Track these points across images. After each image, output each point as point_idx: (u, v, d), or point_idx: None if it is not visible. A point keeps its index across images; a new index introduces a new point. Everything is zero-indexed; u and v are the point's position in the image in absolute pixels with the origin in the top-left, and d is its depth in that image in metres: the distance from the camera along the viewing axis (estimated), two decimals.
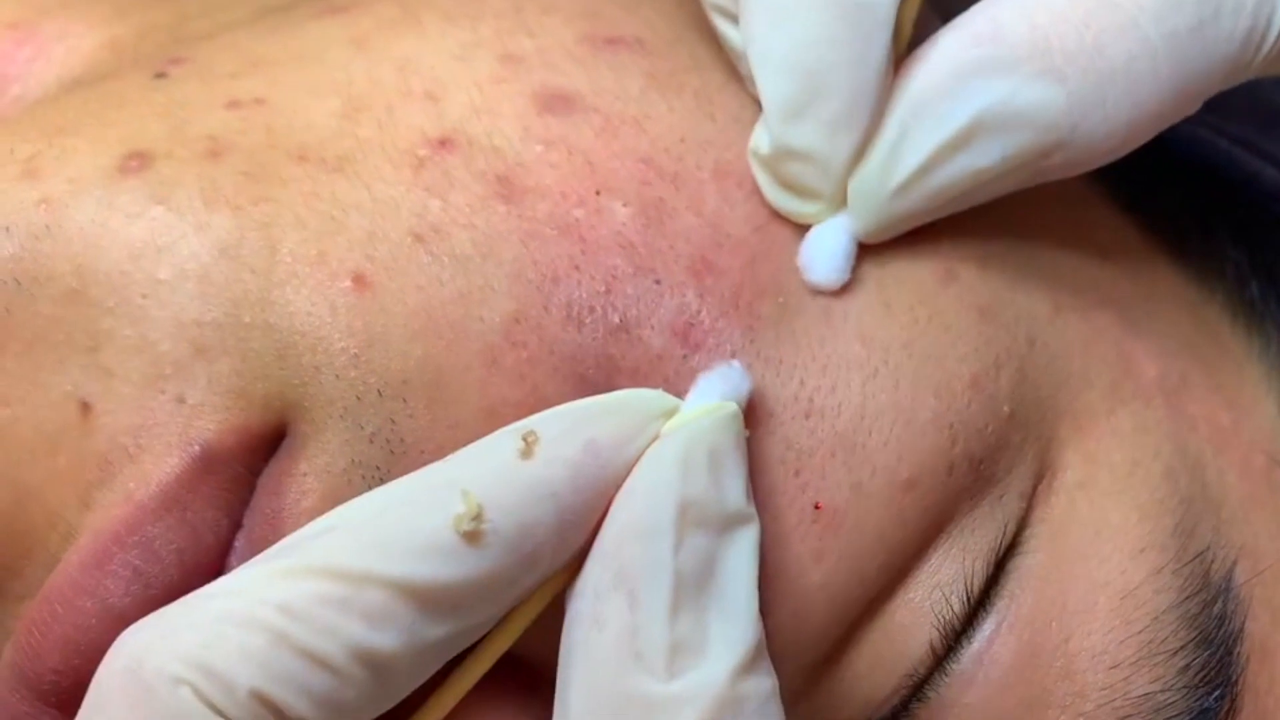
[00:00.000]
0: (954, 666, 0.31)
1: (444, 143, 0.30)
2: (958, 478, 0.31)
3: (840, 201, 0.31)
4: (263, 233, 0.29)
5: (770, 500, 0.29)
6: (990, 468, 0.31)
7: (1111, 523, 0.32)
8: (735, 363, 0.29)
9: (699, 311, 0.30)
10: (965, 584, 0.31)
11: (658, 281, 0.30)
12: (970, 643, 0.31)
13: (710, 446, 0.28)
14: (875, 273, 0.31)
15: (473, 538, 0.26)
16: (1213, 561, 0.32)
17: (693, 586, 0.27)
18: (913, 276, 0.31)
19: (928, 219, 0.31)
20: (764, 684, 0.27)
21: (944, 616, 0.30)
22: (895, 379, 0.30)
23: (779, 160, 0.30)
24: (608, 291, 0.29)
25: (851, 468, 0.30)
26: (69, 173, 0.29)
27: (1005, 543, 0.31)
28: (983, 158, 0.30)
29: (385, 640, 0.25)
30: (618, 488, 0.28)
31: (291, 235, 0.29)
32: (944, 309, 0.31)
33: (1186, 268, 0.38)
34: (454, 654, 0.27)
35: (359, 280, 0.29)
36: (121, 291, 0.28)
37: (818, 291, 0.30)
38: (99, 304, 0.28)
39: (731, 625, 0.27)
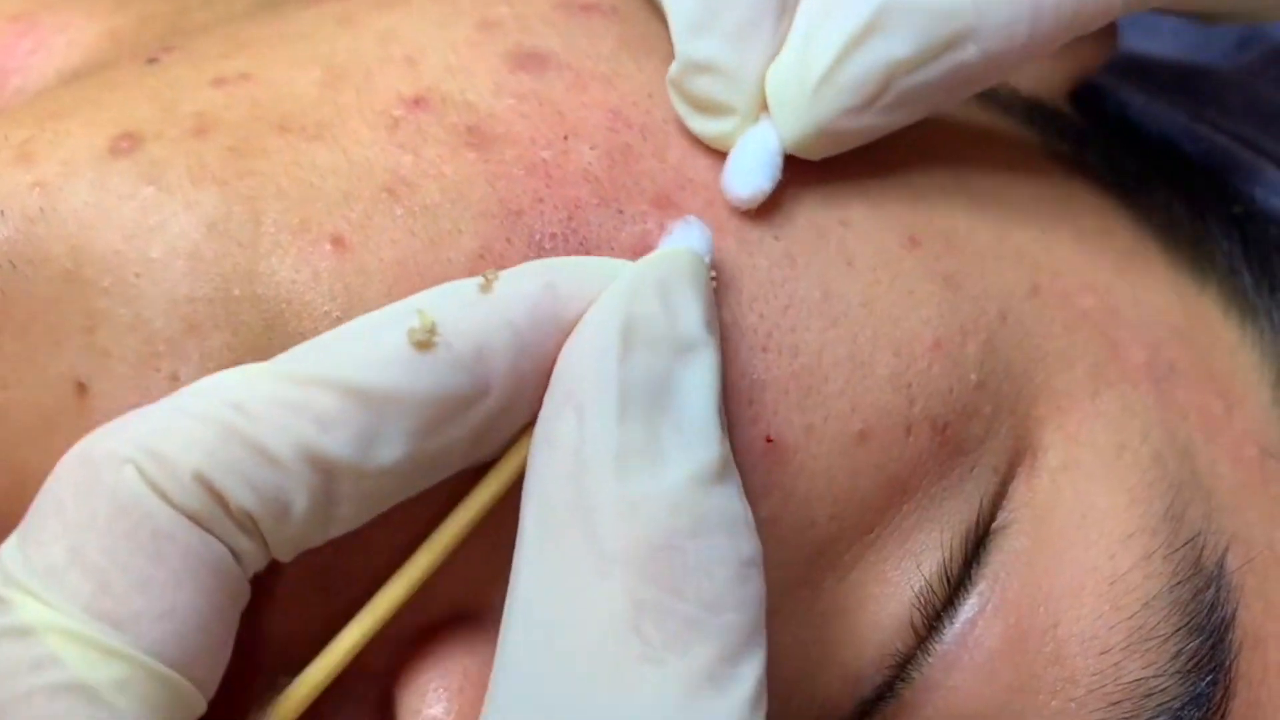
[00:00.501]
0: (937, 647, 0.30)
1: (418, 101, 0.31)
2: (918, 439, 0.30)
3: (758, 113, 0.31)
4: (247, 205, 0.29)
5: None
6: (957, 434, 0.31)
7: (1099, 506, 0.31)
8: (693, 218, 0.30)
9: (660, 238, 0.30)
10: (944, 561, 0.30)
11: (620, 211, 0.30)
12: (953, 623, 0.31)
13: (660, 277, 0.28)
14: (838, 231, 0.31)
15: (424, 347, 0.26)
16: (1204, 547, 0.32)
17: (642, 398, 0.27)
18: (876, 239, 0.31)
19: (864, 136, 0.31)
20: (732, 504, 0.27)
21: (923, 594, 0.30)
22: (854, 332, 0.30)
23: (686, 77, 0.31)
24: (570, 219, 0.30)
25: (805, 409, 0.30)
26: (62, 155, 0.30)
27: (983, 520, 0.31)
28: (895, 47, 0.30)
29: (335, 443, 0.26)
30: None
31: (274, 205, 0.29)
32: (907, 273, 0.31)
33: (1178, 257, 0.37)
34: (407, 493, 0.27)
35: (337, 242, 0.29)
36: (116, 271, 0.28)
37: (740, 208, 0.30)
38: (94, 284, 0.28)
39: (688, 438, 0.27)
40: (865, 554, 0.30)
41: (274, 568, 0.27)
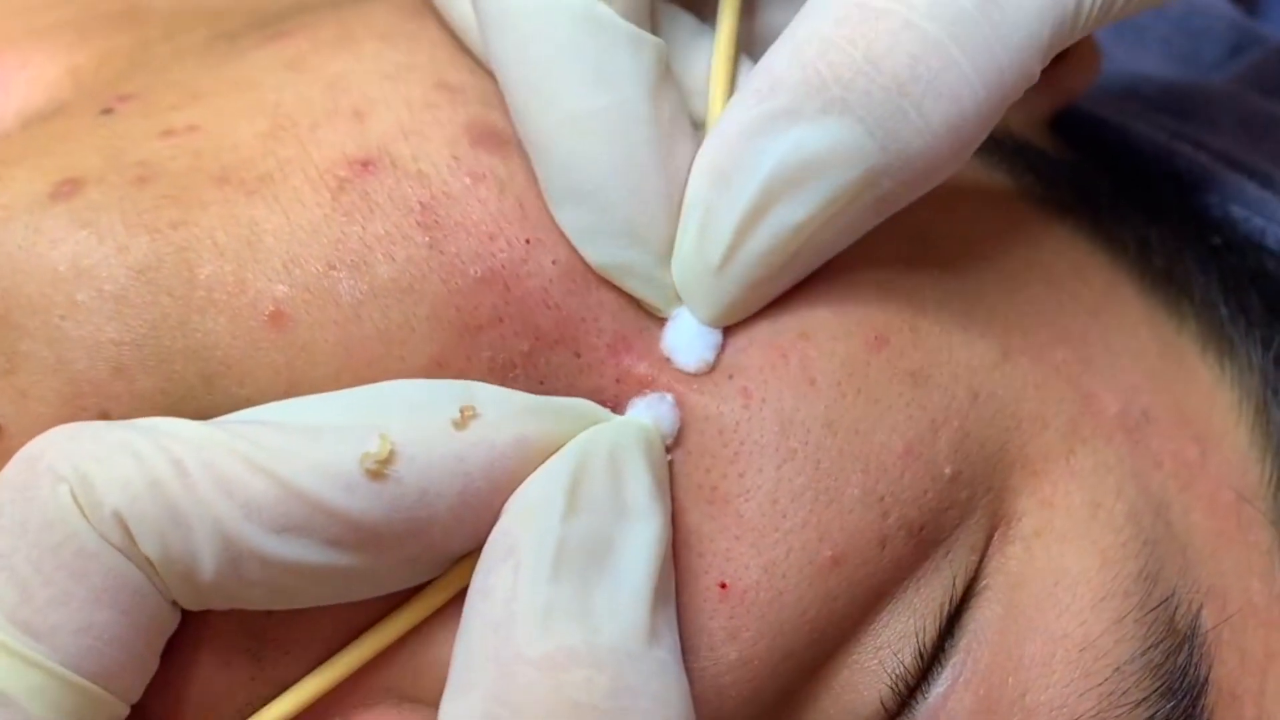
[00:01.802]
0: None
1: (366, 164, 0.30)
2: (894, 549, 0.30)
3: (677, 294, 0.30)
4: (180, 256, 0.29)
5: (675, 577, 0.29)
6: (934, 531, 0.31)
7: (1070, 571, 0.31)
8: (668, 395, 0.30)
9: (616, 396, 0.30)
10: (917, 639, 0.30)
11: (577, 355, 0.30)
12: (925, 698, 0.30)
13: (611, 446, 0.28)
14: (799, 348, 0.30)
15: (374, 476, 0.27)
16: (1178, 607, 0.32)
17: (579, 559, 0.27)
18: (840, 348, 0.30)
19: (784, 283, 0.30)
20: (660, 673, 0.27)
21: (895, 672, 0.30)
22: (816, 459, 0.30)
23: (604, 274, 0.30)
24: (530, 353, 0.29)
25: (761, 550, 0.29)
26: (3, 200, 0.30)
27: (956, 596, 0.31)
28: (797, 212, 0.29)
29: (252, 533, 0.26)
30: None
31: (209, 261, 0.29)
32: (873, 380, 0.30)
33: (1155, 294, 0.37)
34: (330, 599, 0.28)
35: (276, 316, 0.29)
36: (42, 314, 0.28)
37: (689, 374, 0.30)
38: (19, 327, 0.28)
39: (620, 603, 0.27)
40: (841, 656, 0.30)
41: (206, 617, 0.28)
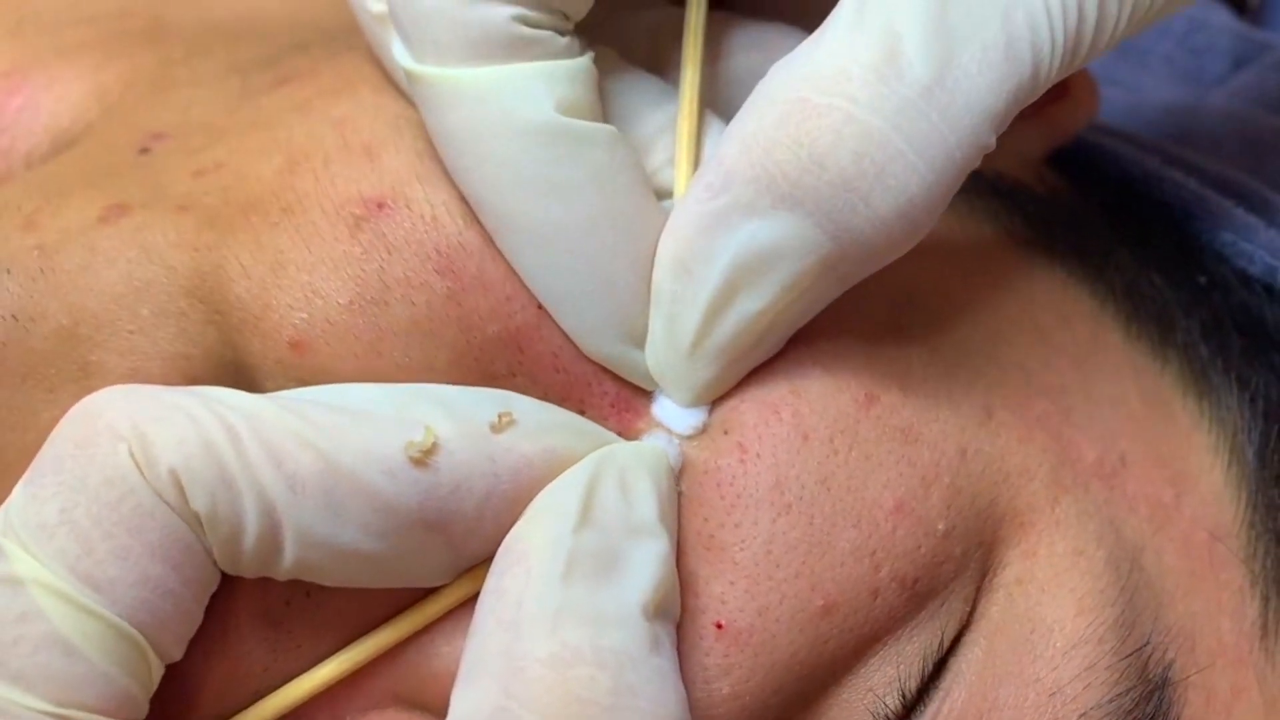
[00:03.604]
0: None
1: (380, 204, 0.31)
2: (886, 599, 0.31)
3: None
4: (216, 275, 0.31)
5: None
6: (929, 584, 0.32)
7: (1046, 619, 0.32)
8: (674, 439, 0.31)
9: None
10: (900, 682, 0.32)
11: (582, 412, 0.32)
12: None
13: (622, 466, 0.30)
14: (791, 404, 0.31)
15: (417, 464, 0.28)
16: (1151, 654, 0.33)
17: (589, 567, 0.29)
18: (833, 404, 0.32)
19: (756, 359, 0.31)
20: (660, 678, 0.28)
21: (879, 713, 0.31)
22: (810, 514, 0.31)
23: (601, 364, 0.32)
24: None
25: (755, 595, 0.31)
26: (60, 224, 0.32)
27: (945, 643, 0.32)
28: (757, 300, 0.30)
29: (294, 505, 0.28)
30: None
31: (239, 283, 0.31)
32: (864, 436, 0.32)
33: (1140, 335, 0.38)
34: (355, 582, 0.29)
35: (296, 344, 0.31)
36: (109, 327, 0.30)
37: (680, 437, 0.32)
38: (89, 339, 0.30)
39: (627, 611, 0.28)
40: (831, 694, 0.32)
41: (230, 605, 0.30)
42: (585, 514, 0.29)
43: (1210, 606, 0.35)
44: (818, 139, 0.28)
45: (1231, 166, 0.45)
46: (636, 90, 0.33)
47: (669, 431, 0.32)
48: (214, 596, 0.29)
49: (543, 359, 0.31)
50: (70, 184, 0.33)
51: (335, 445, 0.28)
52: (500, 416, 0.29)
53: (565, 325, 0.31)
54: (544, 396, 0.31)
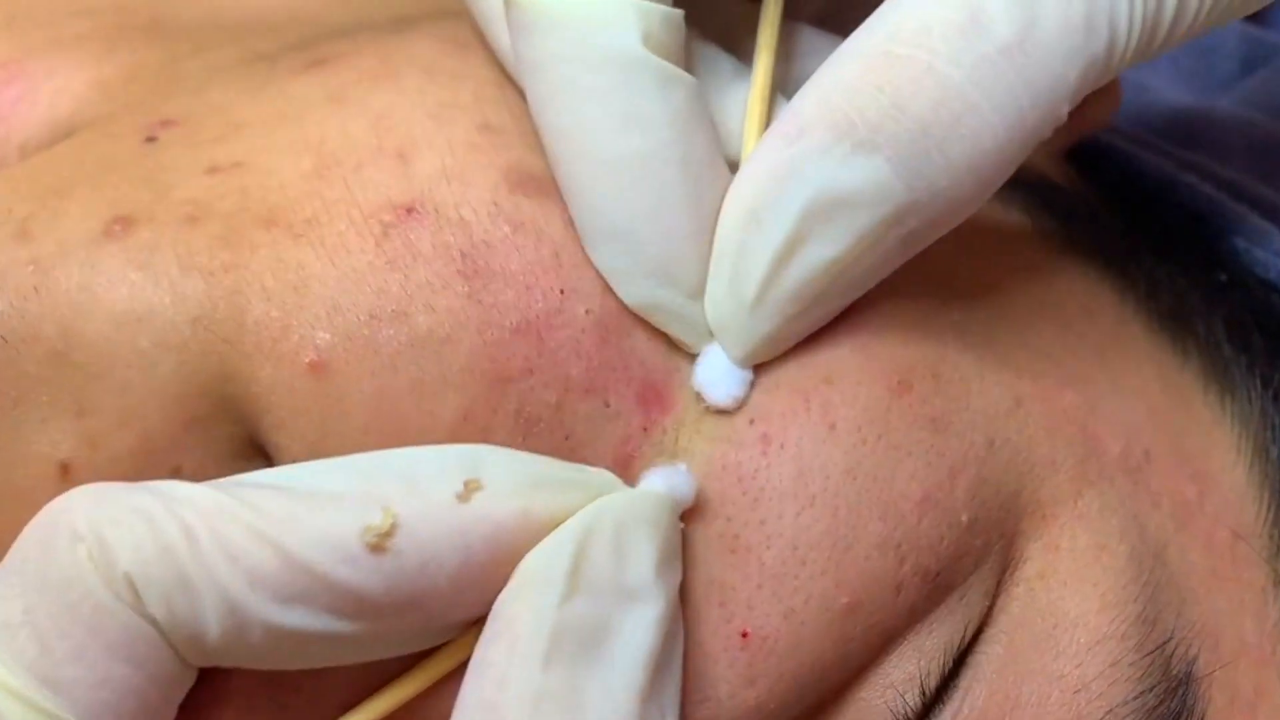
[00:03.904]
0: None
1: (410, 210, 0.30)
2: (908, 594, 0.31)
3: (709, 331, 0.31)
4: (232, 301, 0.29)
5: (695, 627, 0.30)
6: (950, 577, 0.31)
7: (1069, 614, 0.32)
8: (682, 466, 0.30)
9: (640, 446, 0.30)
10: (921, 679, 0.31)
11: (606, 404, 0.30)
12: None
13: (617, 521, 0.29)
14: (821, 392, 0.31)
15: (375, 549, 0.27)
16: (1174, 650, 0.32)
17: (573, 645, 0.27)
18: (864, 393, 0.31)
19: (813, 322, 0.31)
20: None
21: (899, 711, 0.31)
22: (834, 506, 0.30)
23: (639, 311, 0.31)
24: (558, 405, 0.30)
25: (781, 597, 0.30)
26: (58, 235, 0.30)
27: (967, 638, 0.32)
28: (829, 248, 0.29)
29: (255, 601, 0.27)
30: None
31: (257, 306, 0.29)
32: (893, 426, 0.31)
33: (1161, 331, 0.38)
34: (339, 661, 0.28)
35: (316, 365, 0.29)
36: (107, 359, 0.29)
37: (718, 411, 0.31)
38: (84, 368, 0.29)
39: (611, 694, 0.27)
40: (848, 693, 0.31)
41: (228, 672, 0.29)
42: (573, 581, 0.28)
43: (1233, 605, 0.34)
44: (899, 86, 0.28)
45: (1241, 172, 0.45)
46: (715, 61, 0.33)
47: (704, 401, 0.31)
48: (212, 675, 0.29)
49: (564, 346, 0.30)
50: (68, 181, 0.32)
51: (291, 537, 0.27)
52: (466, 484, 0.28)
53: (616, 266, 0.30)
54: (564, 392, 0.30)
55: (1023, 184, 0.39)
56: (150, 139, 0.33)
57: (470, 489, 0.28)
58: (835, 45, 0.30)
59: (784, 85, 0.34)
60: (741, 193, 0.30)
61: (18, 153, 0.36)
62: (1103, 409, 0.35)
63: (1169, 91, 0.53)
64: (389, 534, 0.27)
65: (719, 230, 0.30)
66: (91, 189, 0.31)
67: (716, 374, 0.31)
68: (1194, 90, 0.54)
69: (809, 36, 0.35)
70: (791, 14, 0.35)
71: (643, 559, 0.29)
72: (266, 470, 0.29)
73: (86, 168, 0.32)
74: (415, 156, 0.31)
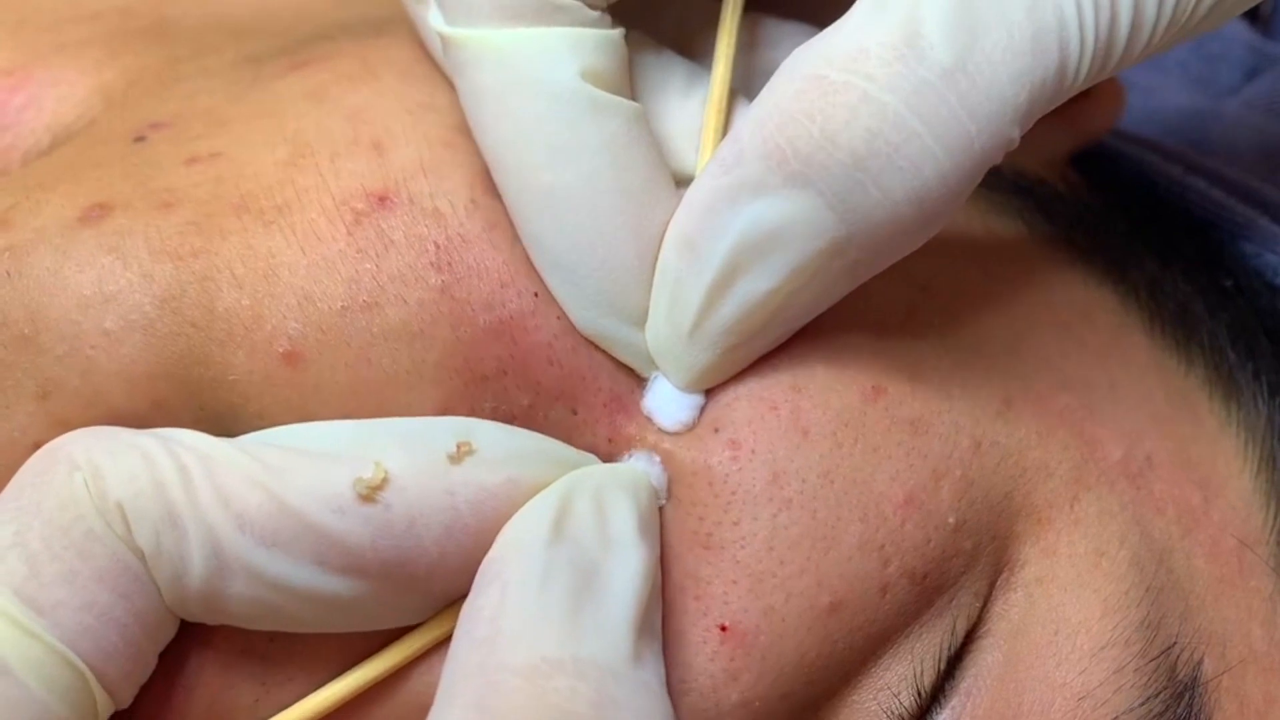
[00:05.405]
0: None
1: (383, 198, 0.30)
2: (895, 595, 0.30)
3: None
4: (201, 286, 0.29)
5: (673, 620, 0.30)
6: (938, 579, 0.31)
7: (1071, 620, 0.31)
8: (655, 455, 0.30)
9: (608, 454, 0.31)
10: (915, 680, 0.31)
11: (575, 412, 0.30)
12: None
13: (597, 485, 0.29)
14: (790, 400, 0.31)
15: (365, 500, 0.28)
16: (1179, 656, 0.32)
17: (567, 577, 0.27)
18: (835, 399, 0.31)
19: (758, 349, 0.31)
20: (644, 694, 0.27)
21: (894, 713, 0.31)
22: (812, 509, 0.30)
23: (589, 338, 0.31)
24: (530, 407, 0.30)
25: (759, 594, 0.30)
26: (35, 223, 0.30)
27: (957, 641, 0.31)
28: (763, 282, 0.29)
29: (242, 544, 0.27)
30: None
31: (228, 293, 0.29)
32: (870, 429, 0.31)
33: (1165, 336, 0.37)
34: (315, 626, 0.28)
35: (290, 355, 0.29)
36: (71, 341, 0.29)
37: (669, 433, 0.31)
38: (49, 351, 0.29)
39: (606, 624, 0.27)
40: (841, 696, 0.31)
41: (211, 639, 0.29)
42: (558, 530, 0.28)
43: (1241, 613, 0.34)
44: (831, 115, 0.27)
45: (1251, 173, 0.44)
46: (667, 71, 0.32)
47: (656, 426, 0.31)
48: (195, 635, 0.29)
49: (535, 351, 0.30)
50: (55, 178, 0.32)
51: (284, 484, 0.27)
52: (459, 446, 0.28)
53: (561, 296, 0.30)
54: (535, 396, 0.30)
55: (1020, 190, 0.38)
56: (140, 139, 0.33)
57: (463, 451, 0.28)
58: (799, 33, 0.30)
59: (749, 75, 0.33)
60: (679, 221, 0.30)
61: (21, 159, 0.36)
62: (1102, 412, 0.34)
63: (1176, 95, 0.53)
64: (379, 486, 0.28)
65: (660, 258, 0.30)
66: (75, 183, 0.31)
67: (663, 400, 0.31)
68: (1200, 95, 0.53)
69: (771, 26, 0.34)
70: (754, 6, 0.34)
71: (624, 517, 0.29)
72: (268, 430, 0.29)
73: (72, 165, 0.33)
74: (391, 148, 0.31)
